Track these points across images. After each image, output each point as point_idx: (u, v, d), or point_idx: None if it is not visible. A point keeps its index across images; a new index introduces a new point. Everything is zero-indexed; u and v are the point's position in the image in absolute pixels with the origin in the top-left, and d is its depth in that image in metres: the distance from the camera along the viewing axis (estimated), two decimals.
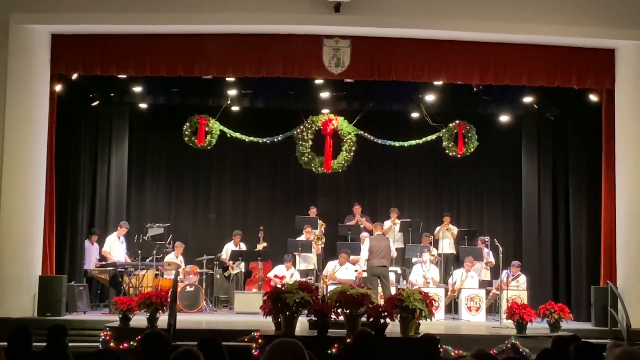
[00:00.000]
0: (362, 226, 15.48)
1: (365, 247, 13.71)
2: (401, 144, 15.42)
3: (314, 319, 10.00)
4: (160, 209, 16.60)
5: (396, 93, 14.98)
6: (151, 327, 10.24)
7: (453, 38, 12.58)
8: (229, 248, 15.01)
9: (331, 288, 11.99)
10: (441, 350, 9.06)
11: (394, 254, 13.90)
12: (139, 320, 10.78)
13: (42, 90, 12.35)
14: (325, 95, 15.03)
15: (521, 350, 10.17)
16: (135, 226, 15.19)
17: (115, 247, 14.45)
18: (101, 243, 14.74)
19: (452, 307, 14.12)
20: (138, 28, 12.36)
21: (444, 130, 15.22)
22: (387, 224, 15.24)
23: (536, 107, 15.26)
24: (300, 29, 12.43)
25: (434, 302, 10.39)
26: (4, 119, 11.91)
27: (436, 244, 15.21)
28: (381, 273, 13.22)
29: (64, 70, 12.66)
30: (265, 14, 12.09)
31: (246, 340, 9.60)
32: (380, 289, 13.13)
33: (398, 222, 15.19)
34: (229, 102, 15.18)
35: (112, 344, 9.77)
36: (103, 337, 10.17)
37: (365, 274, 13.87)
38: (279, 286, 10.98)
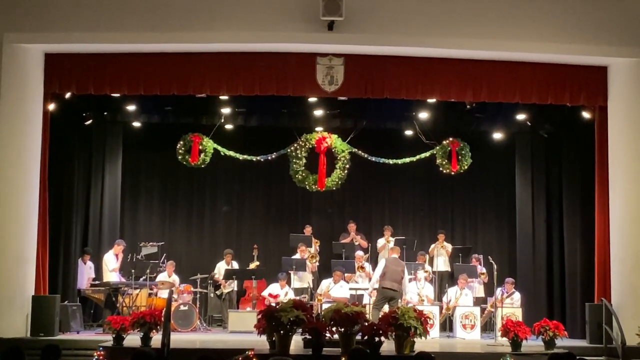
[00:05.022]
0: (356, 243, 15.46)
1: (379, 267, 13.40)
2: (395, 161, 15.40)
3: (308, 337, 9.93)
4: (154, 227, 16.53)
5: (389, 110, 14.97)
6: (144, 346, 10.18)
7: (446, 56, 12.61)
8: (221, 267, 14.97)
9: (325, 306, 11.94)
10: None
11: (406, 283, 13.48)
12: (133, 339, 10.72)
13: (35, 109, 12.33)
14: (318, 112, 15.02)
15: None
16: (128, 245, 15.09)
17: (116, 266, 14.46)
18: (94, 262, 14.70)
19: (447, 325, 14.09)
20: (131, 47, 12.35)
21: (438, 148, 15.23)
22: (381, 241, 15.26)
23: (529, 124, 15.28)
24: (294, 47, 12.44)
25: (428, 319, 10.32)
26: None
27: (430, 262, 15.18)
28: (392, 296, 12.90)
29: (57, 89, 12.63)
30: (259, 32, 12.10)
31: (240, 359, 9.53)
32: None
33: (392, 239, 15.15)
34: (223, 120, 15.18)
35: None
36: (96, 357, 10.03)
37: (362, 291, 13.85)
38: (273, 304, 10.92)
